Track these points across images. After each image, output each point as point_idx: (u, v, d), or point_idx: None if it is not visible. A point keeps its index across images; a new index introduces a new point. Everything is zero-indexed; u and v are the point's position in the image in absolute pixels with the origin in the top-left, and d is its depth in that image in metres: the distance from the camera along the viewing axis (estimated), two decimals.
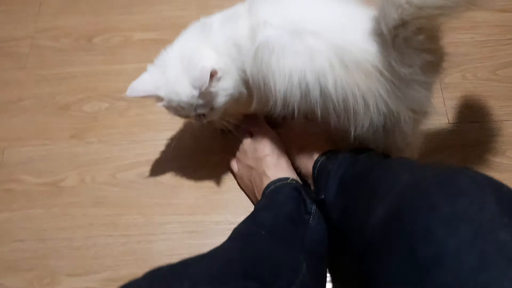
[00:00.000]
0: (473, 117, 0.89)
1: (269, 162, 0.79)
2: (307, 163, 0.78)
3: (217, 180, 0.88)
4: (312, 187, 0.77)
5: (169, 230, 0.84)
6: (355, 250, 0.53)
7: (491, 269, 0.34)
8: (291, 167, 0.81)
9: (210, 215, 0.85)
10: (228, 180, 0.88)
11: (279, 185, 0.75)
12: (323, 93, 0.61)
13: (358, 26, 0.60)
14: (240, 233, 0.65)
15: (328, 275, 0.76)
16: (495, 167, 0.84)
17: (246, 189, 0.85)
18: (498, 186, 0.41)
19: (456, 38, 0.96)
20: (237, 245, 0.61)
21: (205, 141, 0.91)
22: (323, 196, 0.70)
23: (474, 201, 0.39)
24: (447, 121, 0.88)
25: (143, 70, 0.70)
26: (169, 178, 0.89)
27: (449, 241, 0.37)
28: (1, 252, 0.84)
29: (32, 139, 0.95)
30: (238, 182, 0.87)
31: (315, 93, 0.61)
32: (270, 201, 0.73)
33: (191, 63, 0.65)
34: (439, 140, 0.87)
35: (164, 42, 0.70)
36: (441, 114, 0.89)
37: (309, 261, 0.60)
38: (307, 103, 0.63)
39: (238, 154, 0.87)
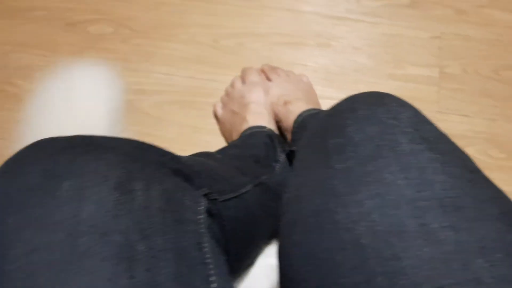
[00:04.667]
0: (464, 110, 0.88)
1: (252, 109, 0.80)
2: (290, 116, 0.78)
3: (200, 121, 0.90)
4: (289, 140, 0.78)
5: None
6: None
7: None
8: (272, 120, 0.82)
9: (186, 152, 0.86)
10: (211, 124, 0.90)
11: (256, 131, 0.76)
12: None
13: None
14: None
15: None
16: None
17: (226, 133, 0.86)
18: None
19: (466, 31, 0.96)
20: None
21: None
22: (295, 147, 0.71)
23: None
24: (437, 109, 0.88)
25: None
26: (154, 110, 0.90)
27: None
28: None
29: (34, 49, 0.98)
30: (219, 127, 0.88)
31: None
32: (242, 142, 0.74)
33: None
34: None
35: None
36: (432, 102, 0.89)
37: (257, 190, 0.60)
38: None
39: (224, 98, 0.88)
